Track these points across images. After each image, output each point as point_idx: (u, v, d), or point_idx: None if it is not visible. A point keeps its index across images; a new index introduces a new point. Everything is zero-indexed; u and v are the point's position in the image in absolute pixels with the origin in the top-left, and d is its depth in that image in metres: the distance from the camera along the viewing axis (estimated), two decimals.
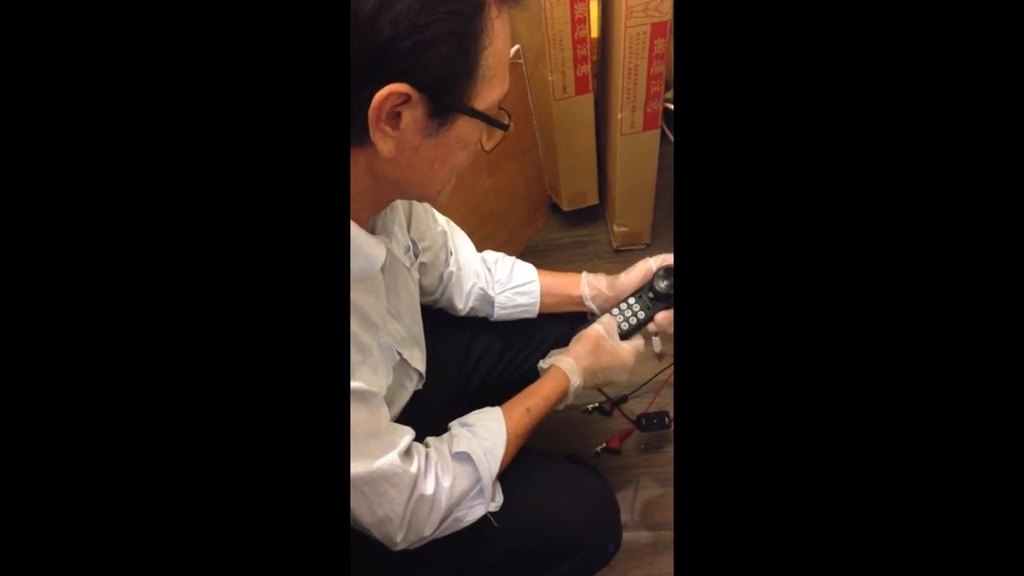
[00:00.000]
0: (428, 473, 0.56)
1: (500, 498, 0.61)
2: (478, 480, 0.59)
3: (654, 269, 0.74)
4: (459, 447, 0.59)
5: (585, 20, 1.04)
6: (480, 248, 0.81)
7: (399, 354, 0.62)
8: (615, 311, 0.75)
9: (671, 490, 1.00)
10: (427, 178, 0.48)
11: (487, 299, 0.78)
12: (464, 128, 0.45)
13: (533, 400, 0.66)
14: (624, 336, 0.73)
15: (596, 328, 0.71)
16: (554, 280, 0.79)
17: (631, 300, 0.75)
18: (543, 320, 0.81)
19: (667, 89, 1.21)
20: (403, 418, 0.60)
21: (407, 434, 0.56)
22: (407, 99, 0.40)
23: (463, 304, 0.78)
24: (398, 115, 0.42)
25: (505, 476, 0.62)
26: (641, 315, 0.74)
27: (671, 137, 1.40)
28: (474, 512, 0.59)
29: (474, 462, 0.59)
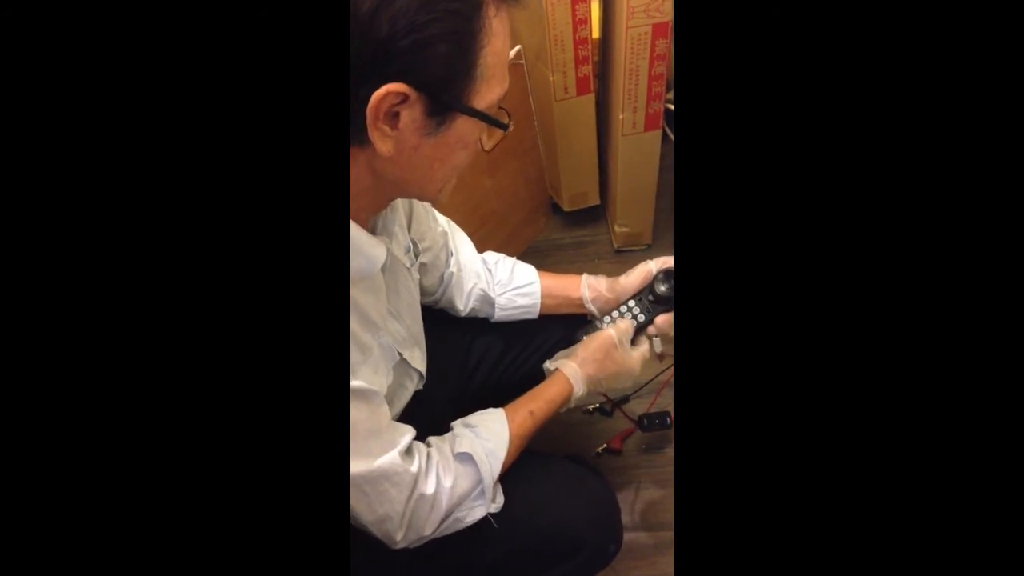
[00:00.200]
0: (429, 472, 0.56)
1: (501, 499, 0.61)
2: (479, 481, 0.59)
3: (654, 272, 0.74)
4: (461, 447, 0.59)
5: (586, 21, 1.04)
6: (481, 248, 0.81)
7: (399, 354, 0.62)
8: (615, 313, 0.75)
9: (672, 490, 1.00)
10: (427, 178, 0.48)
11: (488, 300, 0.78)
12: (463, 127, 0.45)
13: (536, 403, 0.66)
14: None
15: (608, 333, 0.70)
16: (554, 282, 0.79)
17: (631, 303, 0.75)
18: (544, 321, 0.81)
19: (668, 90, 1.21)
20: (404, 418, 0.60)
21: (408, 433, 0.56)
22: (405, 98, 0.41)
23: (464, 305, 0.78)
24: (396, 114, 0.42)
25: (506, 477, 0.62)
26: (641, 318, 0.74)
27: (672, 137, 1.40)
28: (475, 513, 0.59)
29: (476, 463, 0.59)
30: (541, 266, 0.81)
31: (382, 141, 0.42)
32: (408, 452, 0.55)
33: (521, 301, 0.79)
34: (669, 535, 0.96)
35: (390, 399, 0.60)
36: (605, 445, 1.04)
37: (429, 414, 0.66)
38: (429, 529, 0.57)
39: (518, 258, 0.82)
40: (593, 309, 0.77)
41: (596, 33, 1.11)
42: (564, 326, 0.81)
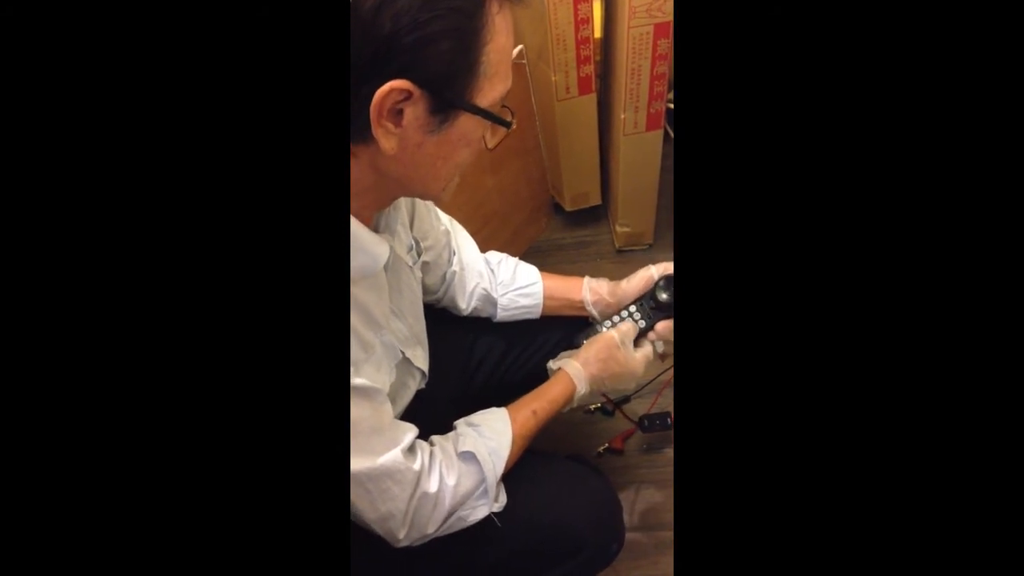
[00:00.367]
0: (432, 471, 0.56)
1: (504, 498, 0.61)
2: (482, 480, 0.59)
3: (655, 278, 0.74)
4: (464, 446, 0.59)
5: (588, 20, 1.04)
6: (483, 248, 0.81)
7: (402, 352, 0.62)
8: (616, 318, 0.75)
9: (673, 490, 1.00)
10: (430, 175, 0.48)
11: (490, 300, 0.78)
12: (466, 125, 0.45)
13: (539, 403, 0.66)
14: None
15: (611, 335, 0.71)
16: (556, 283, 0.79)
17: (632, 308, 0.75)
18: (545, 321, 0.81)
19: (670, 89, 1.21)
20: (406, 417, 0.60)
21: (410, 431, 0.56)
22: (408, 95, 0.41)
23: (466, 304, 0.78)
24: (400, 112, 0.42)
25: (508, 476, 0.62)
26: (642, 324, 0.74)
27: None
28: (478, 512, 0.59)
29: (479, 462, 0.59)
30: (543, 266, 0.81)
31: (386, 138, 0.42)
32: (411, 450, 0.55)
33: (523, 302, 0.79)
34: (670, 535, 0.96)
35: (393, 398, 0.60)
36: (606, 445, 1.04)
37: (431, 413, 0.66)
38: (432, 527, 0.57)
39: (520, 258, 0.82)
40: (594, 312, 0.77)
41: (598, 33, 1.11)
42: (566, 327, 0.81)
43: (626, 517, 0.71)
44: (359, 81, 0.39)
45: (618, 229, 1.31)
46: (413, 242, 0.66)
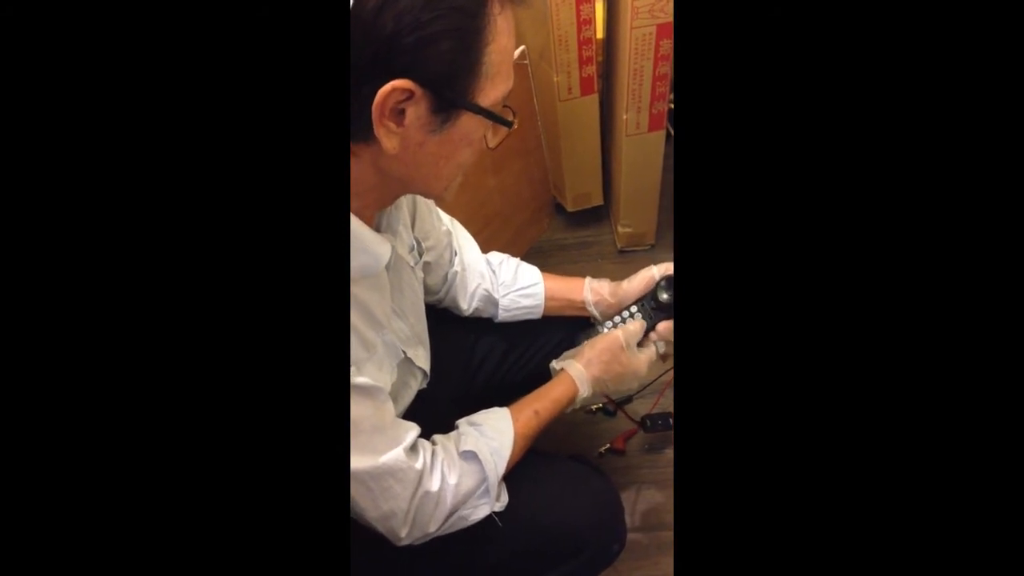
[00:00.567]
0: (434, 470, 0.56)
1: (505, 498, 0.61)
2: (484, 479, 0.59)
3: (657, 278, 0.74)
4: (466, 446, 0.59)
5: (591, 21, 1.04)
6: (485, 248, 0.81)
7: (403, 352, 0.62)
8: (617, 319, 0.75)
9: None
10: (432, 175, 0.48)
11: (491, 300, 0.78)
12: (468, 125, 0.45)
13: (541, 403, 0.66)
14: None
15: (616, 335, 0.70)
16: (558, 284, 0.79)
17: (633, 309, 0.75)
18: (547, 321, 0.81)
19: (672, 90, 1.21)
20: (408, 417, 0.60)
21: (412, 430, 0.56)
22: (410, 95, 0.41)
23: (467, 304, 0.78)
24: (402, 111, 0.42)
25: (510, 476, 0.62)
26: (642, 323, 0.74)
27: None
28: (479, 511, 0.59)
29: (480, 461, 0.59)
30: (544, 266, 0.81)
31: (388, 138, 0.42)
32: (413, 449, 0.55)
33: (524, 302, 0.79)
34: (672, 536, 0.96)
35: (394, 397, 0.60)
36: (608, 445, 1.04)
37: (433, 413, 0.66)
38: (434, 526, 0.57)
39: (521, 258, 0.82)
40: (595, 313, 0.77)
41: (600, 33, 1.11)
42: (567, 327, 0.81)
43: (627, 517, 0.70)
44: (361, 81, 0.39)
45: (620, 229, 1.31)
46: (415, 242, 0.66)
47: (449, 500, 0.57)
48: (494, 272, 0.79)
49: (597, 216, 1.40)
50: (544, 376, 0.71)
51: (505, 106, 0.47)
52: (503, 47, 0.43)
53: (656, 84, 1.02)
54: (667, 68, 1.00)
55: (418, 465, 0.54)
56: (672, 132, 1.24)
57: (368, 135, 0.42)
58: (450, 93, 0.42)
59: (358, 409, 0.50)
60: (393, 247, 0.54)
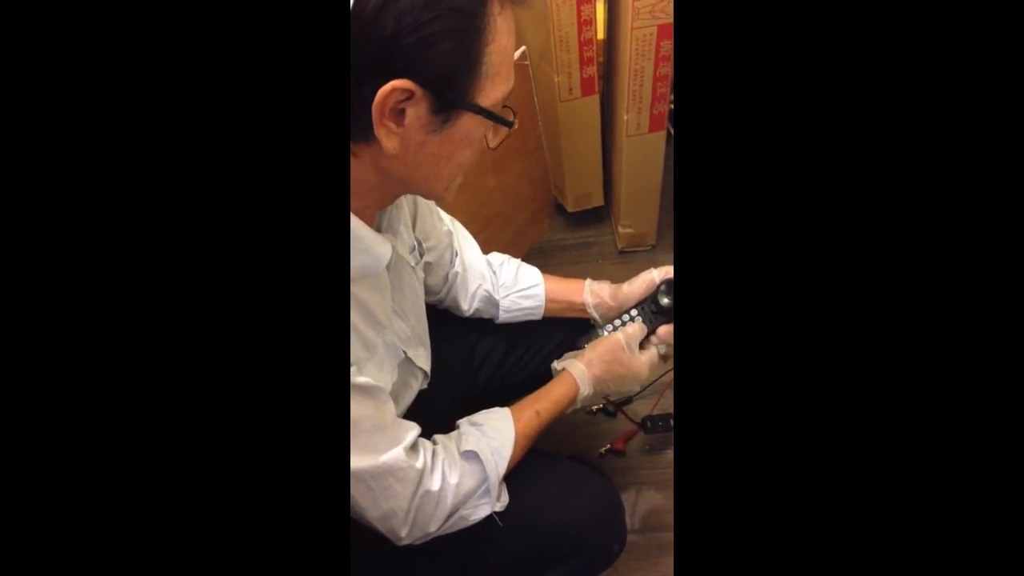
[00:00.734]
0: (435, 469, 0.56)
1: (506, 498, 0.61)
2: (485, 479, 0.59)
3: (657, 281, 0.74)
4: (467, 445, 0.59)
5: (591, 21, 1.04)
6: (485, 249, 0.81)
7: (404, 352, 0.62)
8: (617, 322, 0.75)
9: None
10: (433, 175, 0.48)
11: (492, 301, 0.79)
12: (468, 125, 0.45)
13: (542, 403, 0.66)
14: None
15: (618, 337, 0.70)
16: (558, 286, 0.79)
17: (633, 312, 0.75)
18: (547, 322, 0.81)
19: (673, 91, 1.21)
20: (409, 417, 0.60)
21: (412, 429, 0.56)
22: (410, 95, 0.41)
23: (468, 305, 0.78)
24: (402, 112, 0.42)
25: (510, 476, 0.62)
26: (642, 325, 0.74)
27: None
28: (480, 511, 0.59)
29: (482, 461, 0.59)
30: (545, 267, 0.81)
31: (388, 138, 0.42)
32: (413, 448, 0.55)
33: (525, 304, 0.79)
34: (672, 537, 0.96)
35: (395, 397, 0.60)
36: (608, 446, 1.04)
37: (434, 413, 0.66)
38: (434, 526, 0.57)
39: (522, 258, 0.82)
40: (595, 315, 0.77)
41: (601, 34, 1.11)
42: (567, 328, 0.81)
43: (627, 518, 0.70)
44: (361, 81, 0.39)
45: (621, 230, 1.31)
46: (415, 242, 0.66)
47: (450, 500, 0.57)
48: (495, 273, 0.79)
49: (598, 217, 1.40)
50: (545, 377, 0.71)
51: (505, 106, 0.47)
52: (503, 47, 0.43)
53: (657, 85, 1.02)
54: (668, 69, 1.00)
55: (418, 464, 0.54)
56: (673, 133, 1.24)
57: (368, 135, 0.42)
58: (450, 93, 0.42)
59: (359, 408, 0.50)
60: (394, 247, 0.54)
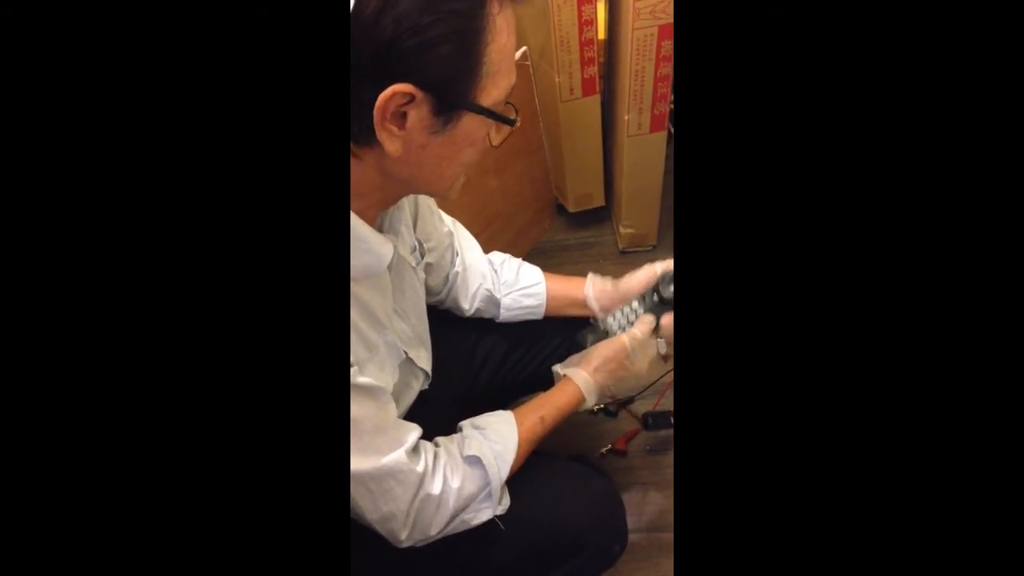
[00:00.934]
0: (436, 472, 0.56)
1: (507, 501, 0.61)
2: (487, 484, 0.59)
3: (659, 273, 0.74)
4: (470, 450, 0.59)
5: (592, 22, 1.04)
6: (486, 249, 0.81)
7: (405, 353, 0.62)
8: (618, 314, 0.74)
9: None
10: (436, 175, 0.48)
11: (493, 300, 0.78)
12: (471, 125, 0.45)
13: (547, 410, 0.66)
14: None
15: (623, 342, 0.70)
16: (559, 283, 0.79)
17: (635, 304, 0.74)
18: (548, 322, 0.81)
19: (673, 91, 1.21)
20: (409, 417, 0.60)
21: (414, 431, 0.56)
22: (411, 98, 0.41)
23: (469, 305, 0.78)
24: (404, 114, 0.42)
25: (512, 477, 0.62)
26: (647, 318, 0.73)
27: None
28: (482, 515, 0.59)
29: (484, 466, 0.59)
30: (546, 267, 0.81)
31: (390, 141, 0.42)
32: (415, 451, 0.55)
33: (526, 302, 0.79)
34: (672, 537, 0.96)
35: (396, 398, 0.60)
36: (610, 446, 1.04)
37: (435, 413, 0.66)
38: (435, 529, 0.57)
39: (523, 259, 0.82)
40: (596, 307, 0.77)
41: (602, 34, 1.11)
42: (568, 327, 0.80)
43: (628, 519, 0.70)
44: (361, 85, 0.39)
45: (622, 230, 1.31)
46: (416, 243, 0.66)
47: (451, 504, 0.57)
48: (496, 272, 0.79)
49: (599, 217, 1.40)
50: (546, 377, 0.71)
51: (508, 103, 0.47)
52: (503, 46, 0.43)
53: (658, 85, 1.02)
54: (669, 69, 1.00)
55: (419, 468, 0.54)
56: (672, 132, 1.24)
57: (371, 138, 0.42)
58: (451, 95, 0.42)
59: (360, 409, 0.50)
60: (395, 247, 0.54)
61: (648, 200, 1.24)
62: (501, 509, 0.60)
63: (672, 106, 1.14)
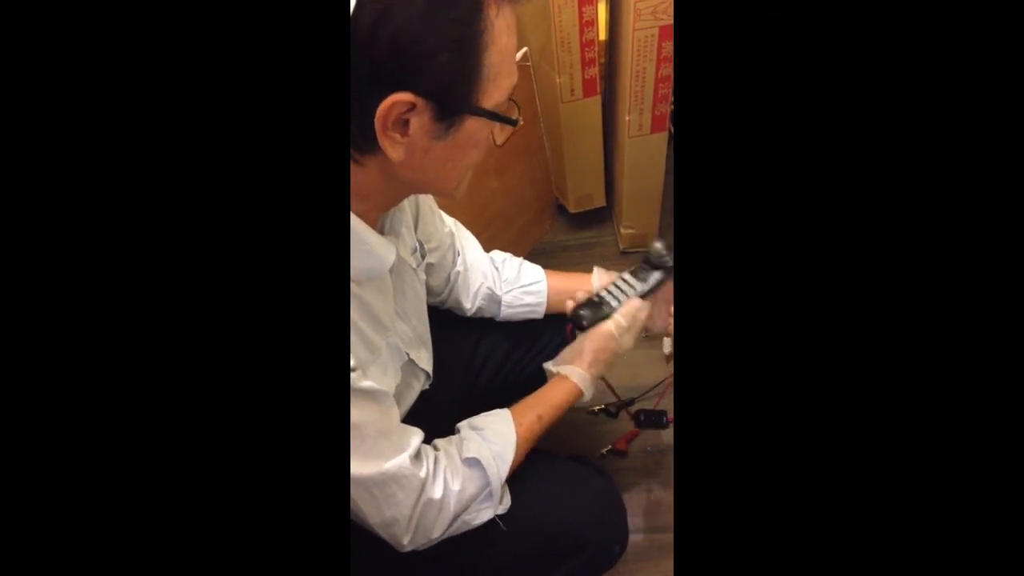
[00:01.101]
0: (437, 477, 0.56)
1: (508, 500, 0.61)
2: (487, 484, 0.59)
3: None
4: (469, 452, 0.59)
5: (593, 23, 1.04)
6: (486, 249, 0.81)
7: (407, 354, 0.62)
8: (611, 287, 0.74)
9: None
10: (441, 177, 0.48)
11: (494, 299, 0.78)
12: (473, 127, 0.45)
13: (544, 408, 0.66)
14: None
15: (609, 330, 0.70)
16: (562, 279, 0.79)
17: (627, 276, 0.74)
18: (549, 321, 0.81)
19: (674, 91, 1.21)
20: (410, 417, 0.60)
21: (417, 436, 0.56)
22: (412, 107, 0.41)
23: (470, 304, 0.78)
24: (406, 122, 0.42)
25: (512, 477, 0.62)
26: (639, 287, 0.73)
27: None
28: (483, 515, 0.59)
29: (484, 467, 0.59)
30: (547, 267, 0.81)
31: (393, 148, 0.42)
32: (417, 456, 0.55)
33: (528, 299, 0.79)
34: (672, 538, 0.96)
35: (398, 398, 0.60)
36: (610, 447, 1.04)
37: (435, 414, 0.66)
38: (437, 532, 0.57)
39: (524, 259, 0.82)
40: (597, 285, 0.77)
41: (603, 35, 1.11)
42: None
43: (628, 519, 0.70)
44: (362, 95, 0.39)
45: (622, 231, 1.31)
46: (417, 244, 0.66)
47: (452, 506, 0.57)
48: (497, 270, 0.79)
49: (599, 217, 1.40)
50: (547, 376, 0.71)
51: (511, 100, 0.47)
52: (503, 48, 0.43)
53: (659, 86, 1.02)
54: (670, 70, 1.00)
55: (422, 473, 0.54)
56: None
57: (373, 146, 0.42)
58: (452, 101, 0.42)
59: (363, 414, 0.50)
60: (396, 250, 0.54)
61: (649, 201, 1.24)
62: (502, 509, 0.61)
63: (672, 107, 1.14)
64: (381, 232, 0.55)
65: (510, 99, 0.46)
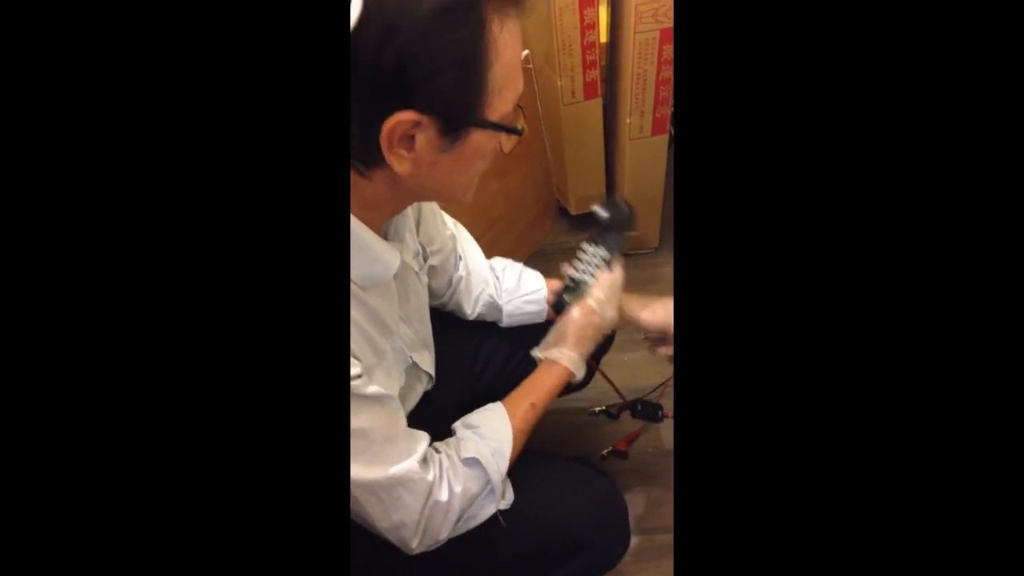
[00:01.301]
0: (443, 480, 0.56)
1: (511, 495, 0.62)
2: (488, 482, 0.59)
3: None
4: (467, 452, 0.59)
5: (594, 25, 1.04)
6: (489, 251, 0.81)
7: (410, 357, 0.62)
8: (578, 264, 0.74)
9: None
10: (448, 186, 0.49)
11: (495, 307, 0.79)
12: (479, 139, 0.45)
13: (537, 395, 0.66)
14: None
15: (590, 306, 0.71)
16: (560, 286, 0.80)
17: (585, 246, 0.74)
18: (549, 324, 0.81)
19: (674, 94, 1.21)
20: (412, 419, 0.60)
21: (424, 440, 0.56)
22: (418, 124, 0.41)
23: (471, 309, 0.78)
24: (412, 138, 0.42)
25: (512, 477, 0.62)
26: (602, 252, 0.73)
27: None
28: (486, 510, 0.60)
29: (483, 465, 0.59)
30: (548, 269, 0.81)
31: (399, 163, 0.43)
32: (424, 460, 0.55)
33: (528, 308, 0.79)
34: (672, 538, 0.96)
35: (401, 400, 0.60)
36: (611, 448, 1.05)
37: (437, 416, 0.66)
38: (444, 534, 0.57)
39: (525, 261, 0.82)
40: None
41: (604, 38, 1.12)
42: None
43: (630, 520, 0.71)
44: (367, 113, 0.39)
45: None
46: (419, 247, 0.66)
47: (457, 507, 0.57)
48: (498, 279, 0.79)
49: None
50: None
51: (516, 107, 0.46)
52: (508, 61, 0.42)
53: (659, 88, 1.03)
54: (670, 73, 1.01)
55: (430, 477, 0.54)
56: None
57: (380, 161, 0.43)
58: (457, 117, 0.42)
59: (370, 419, 0.50)
60: (400, 254, 0.55)
61: (650, 202, 1.24)
62: (505, 503, 0.61)
63: (673, 109, 1.14)
64: (385, 237, 0.55)
65: (516, 105, 0.46)
